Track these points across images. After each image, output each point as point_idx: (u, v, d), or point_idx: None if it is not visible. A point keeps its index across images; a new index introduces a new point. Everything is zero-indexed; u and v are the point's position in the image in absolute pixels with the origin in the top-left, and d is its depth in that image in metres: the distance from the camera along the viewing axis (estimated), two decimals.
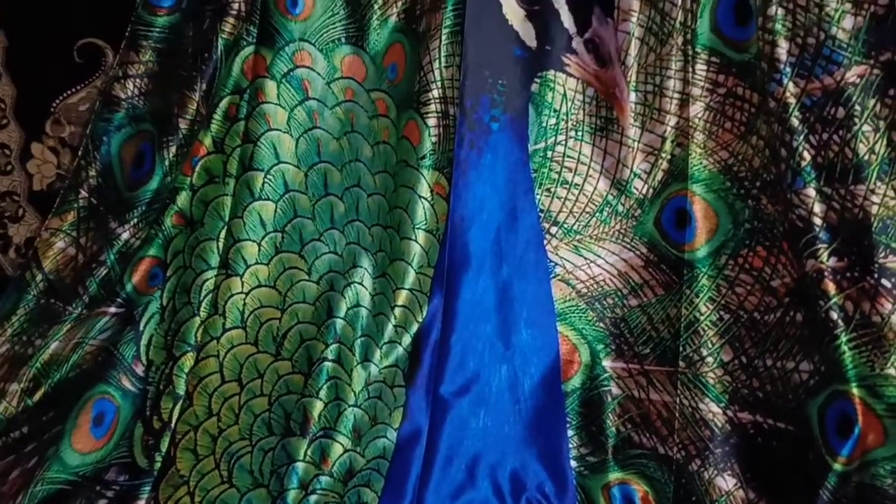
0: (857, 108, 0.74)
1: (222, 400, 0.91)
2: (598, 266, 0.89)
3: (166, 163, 0.93)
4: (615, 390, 0.88)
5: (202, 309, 0.92)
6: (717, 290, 0.83)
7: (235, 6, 0.91)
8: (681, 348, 0.84)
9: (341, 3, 0.94)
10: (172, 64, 0.93)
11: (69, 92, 1.12)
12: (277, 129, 0.93)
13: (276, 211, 0.93)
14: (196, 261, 0.93)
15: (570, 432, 0.88)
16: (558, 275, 0.90)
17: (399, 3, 0.93)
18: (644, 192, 0.88)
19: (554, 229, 0.90)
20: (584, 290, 0.89)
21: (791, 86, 0.76)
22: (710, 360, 0.83)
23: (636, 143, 0.87)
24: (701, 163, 0.85)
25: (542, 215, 0.90)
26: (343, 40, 0.95)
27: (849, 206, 0.74)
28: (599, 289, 0.89)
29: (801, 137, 0.75)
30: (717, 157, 0.84)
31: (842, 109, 0.74)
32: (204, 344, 0.92)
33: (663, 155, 0.86)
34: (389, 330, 0.89)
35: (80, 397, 0.89)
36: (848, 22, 0.75)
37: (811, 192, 0.75)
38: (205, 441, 0.89)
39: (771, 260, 0.80)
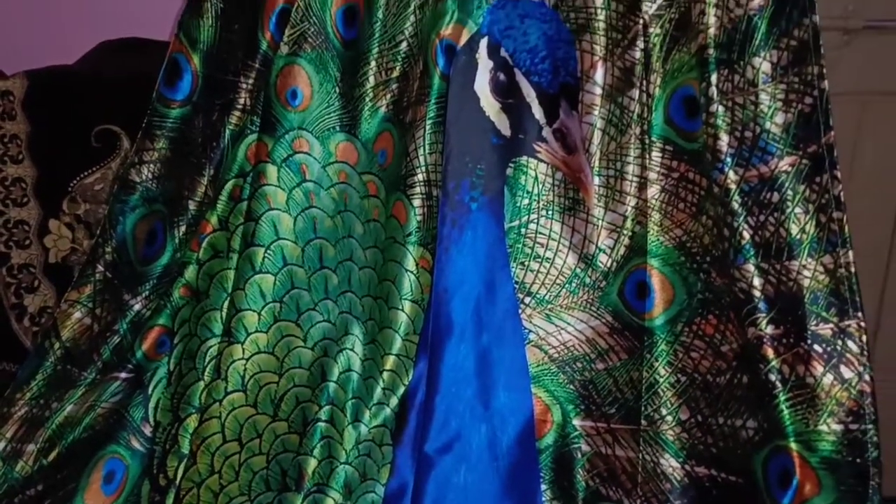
0: (790, 192, 0.83)
1: (223, 458, 0.98)
2: (569, 333, 0.98)
3: (176, 240, 1.02)
4: (584, 447, 0.95)
5: (206, 374, 1.00)
6: (674, 354, 0.91)
7: (241, 101, 1.01)
8: (643, 408, 0.92)
9: (336, 95, 1.04)
10: (184, 151, 1.03)
11: (86, 173, 1.22)
12: (277, 209, 1.02)
13: (275, 283, 1.01)
14: (201, 329, 1.01)
15: (543, 486, 0.95)
16: (532, 341, 0.98)
17: (388, 96, 1.03)
18: (608, 265, 0.96)
19: (528, 299, 0.98)
20: (556, 355, 0.97)
21: (731, 173, 0.86)
22: (669, 418, 0.91)
23: (600, 222, 0.96)
24: (658, 239, 0.94)
25: (518, 287, 0.98)
26: (337, 128, 1.04)
27: (784, 279, 0.83)
28: (569, 354, 0.97)
29: (741, 219, 0.85)
30: (673, 235, 0.93)
31: (776, 194, 0.84)
32: (207, 406, 0.99)
33: (625, 232, 0.95)
34: (378, 392, 0.97)
35: (92, 457, 0.96)
36: (779, 118, 0.85)
37: (751, 267, 0.84)
38: (207, 497, 0.96)
39: (720, 327, 0.88)
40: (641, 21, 0.94)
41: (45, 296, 1.24)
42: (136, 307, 1.01)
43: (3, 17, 1.31)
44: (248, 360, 1.00)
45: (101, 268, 1.02)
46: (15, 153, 1.21)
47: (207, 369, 1.00)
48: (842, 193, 0.81)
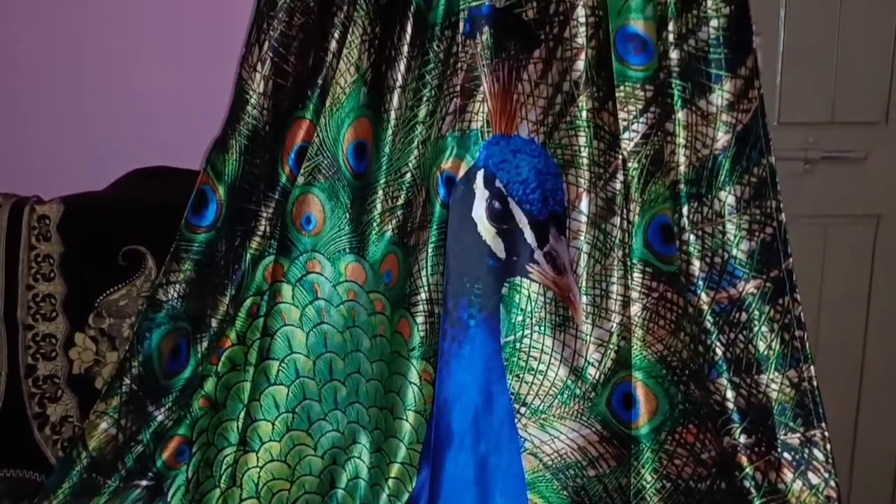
0: (756, 313, 0.93)
1: None
2: (562, 441, 1.05)
3: (199, 355, 1.10)
4: None
5: (222, 481, 1.06)
6: (659, 461, 0.98)
7: (262, 228, 1.12)
8: None
9: (346, 220, 1.15)
10: (208, 273, 1.13)
11: (112, 289, 1.30)
12: (291, 325, 1.11)
13: (288, 394, 1.09)
14: (218, 438, 1.08)
15: None
16: (528, 449, 1.05)
17: (393, 222, 1.13)
18: (597, 377, 1.04)
19: (523, 409, 1.06)
20: (550, 463, 1.04)
21: (704, 295, 0.95)
22: None
23: (589, 337, 1.05)
24: (642, 353, 1.02)
25: (513, 398, 1.06)
26: (347, 250, 1.14)
27: (754, 392, 0.91)
28: (562, 461, 1.04)
29: (714, 337, 0.94)
30: (655, 349, 1.02)
31: (744, 314, 0.93)
32: None
33: (611, 346, 1.04)
34: (384, 499, 1.03)
35: None
36: (744, 245, 0.95)
37: (724, 381, 0.93)
38: None
39: (700, 436, 0.96)
40: (620, 157, 1.05)
41: (67, 406, 1.31)
42: (160, 418, 1.08)
43: (43, 145, 1.43)
44: (261, 468, 1.06)
45: (127, 381, 1.09)
46: (47, 271, 1.30)
47: (223, 477, 1.06)
48: (802, 314, 0.91)
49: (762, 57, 1.15)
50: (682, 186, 0.99)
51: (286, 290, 1.11)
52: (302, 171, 1.12)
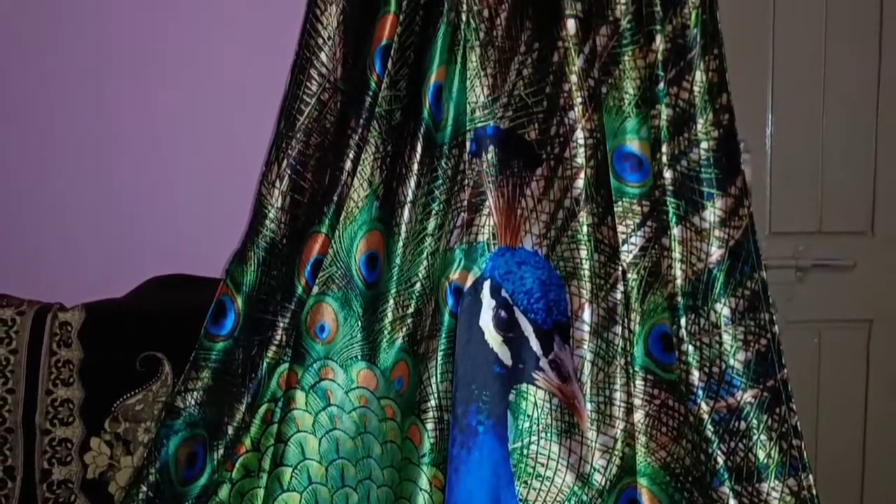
0: (755, 422, 0.97)
1: None
2: None
3: (215, 462, 1.13)
4: None
5: None
6: None
7: (278, 338, 1.16)
8: None
9: (358, 328, 1.19)
10: (225, 381, 1.17)
11: (128, 394, 1.34)
12: (304, 431, 1.14)
13: (300, 501, 1.11)
14: None
15: None
16: None
17: (404, 330, 1.18)
18: (602, 483, 1.07)
19: None
20: None
21: (703, 405, 0.99)
22: None
23: (594, 444, 1.08)
24: (646, 460, 1.05)
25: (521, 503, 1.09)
26: (359, 357, 1.18)
27: (756, 501, 0.94)
28: None
29: (715, 445, 0.97)
30: (658, 456, 1.05)
31: (743, 423, 0.97)
32: None
33: (616, 453, 1.07)
34: None
35: None
36: (741, 356, 1.00)
37: (726, 489, 0.95)
38: None
39: None
40: (620, 268, 1.11)
41: None
42: None
43: (65, 253, 1.49)
44: None
45: (144, 488, 1.12)
46: (66, 377, 1.34)
47: None
48: (798, 423, 0.94)
49: (752, 171, 1.23)
50: (679, 299, 1.04)
51: (300, 396, 1.14)
52: (317, 281, 1.17)
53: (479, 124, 1.19)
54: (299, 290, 1.17)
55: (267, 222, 1.21)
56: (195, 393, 1.17)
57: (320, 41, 1.22)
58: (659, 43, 1.15)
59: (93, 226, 1.52)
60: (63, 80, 1.47)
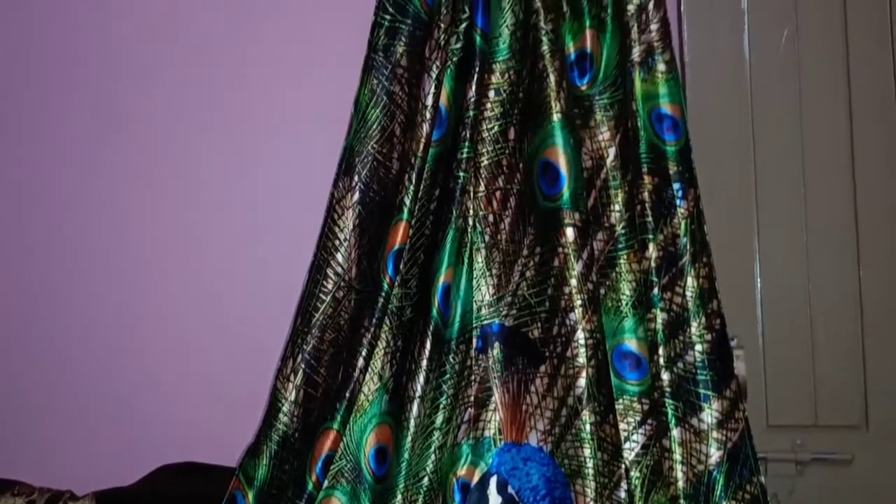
0: None
1: None
2: None
3: None
4: None
5: None
6: None
7: None
8: None
9: None
10: None
11: None
12: None
13: None
14: None
15: None
16: None
17: None
18: None
19: None
20: None
21: None
22: None
23: None
24: None
25: None
26: None
27: None
28: None
29: None
30: None
31: None
32: None
33: None
34: None
35: None
36: None
37: None
38: None
39: None
40: (623, 466, 1.14)
41: None
42: None
43: (77, 441, 1.52)
44: None
45: None
46: None
47: None
48: None
49: (746, 366, 1.29)
50: (682, 502, 1.07)
51: None
52: (327, 475, 1.20)
53: (486, 321, 1.26)
54: (310, 485, 1.20)
55: (280, 416, 1.25)
56: None
57: (336, 242, 1.32)
58: (652, 250, 1.24)
59: (105, 415, 1.55)
60: (82, 288, 1.54)
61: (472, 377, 1.24)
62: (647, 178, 1.27)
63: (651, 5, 1.32)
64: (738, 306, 1.32)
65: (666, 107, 1.29)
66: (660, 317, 1.21)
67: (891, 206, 1.34)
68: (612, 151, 1.29)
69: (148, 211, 1.55)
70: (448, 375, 1.23)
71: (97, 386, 1.55)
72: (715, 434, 1.10)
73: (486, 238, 1.29)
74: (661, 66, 1.30)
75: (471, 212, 1.29)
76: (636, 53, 1.31)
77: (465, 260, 1.29)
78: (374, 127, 1.34)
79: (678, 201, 1.25)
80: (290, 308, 1.35)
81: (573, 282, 1.22)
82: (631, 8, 1.32)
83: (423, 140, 1.27)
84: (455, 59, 1.28)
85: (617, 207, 1.27)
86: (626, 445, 1.16)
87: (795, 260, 1.34)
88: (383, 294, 1.26)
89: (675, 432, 1.12)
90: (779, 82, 1.38)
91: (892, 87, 1.35)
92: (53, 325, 1.56)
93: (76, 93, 1.57)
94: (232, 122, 1.54)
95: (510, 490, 1.17)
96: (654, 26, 1.31)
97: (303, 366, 1.28)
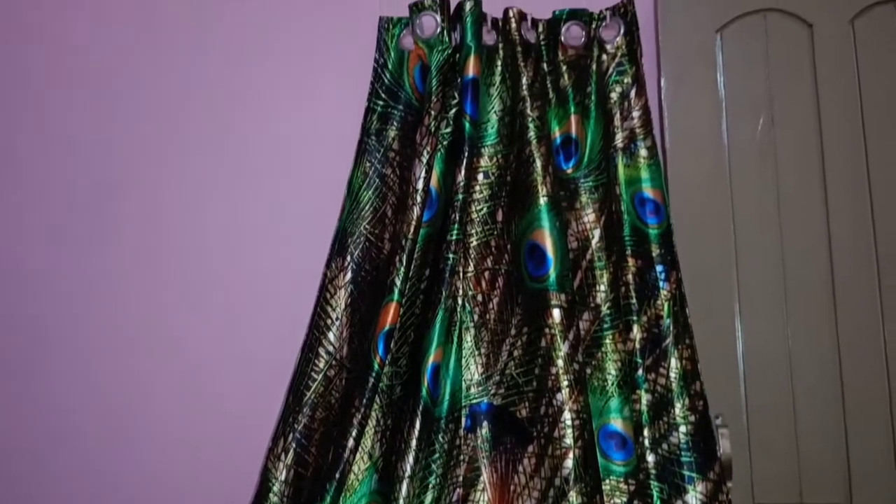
0: None
1: None
2: None
3: None
4: None
5: None
6: None
7: None
8: None
9: None
10: None
11: None
12: None
13: None
14: None
15: None
16: None
17: None
18: None
19: None
20: None
21: None
22: None
23: None
24: None
25: None
26: None
27: None
28: None
29: None
30: None
31: None
32: None
33: None
34: None
35: None
36: None
37: None
38: None
39: None
40: None
41: None
42: None
43: None
44: None
45: None
46: None
47: None
48: None
49: (731, 444, 1.31)
50: None
51: None
52: None
53: (475, 400, 1.29)
54: None
55: (271, 496, 1.26)
56: None
57: (329, 321, 1.35)
58: (636, 332, 1.28)
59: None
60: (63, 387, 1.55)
61: (461, 457, 1.26)
62: (630, 261, 1.31)
63: (633, 93, 1.38)
64: (721, 384, 1.35)
65: (648, 191, 1.34)
66: (644, 398, 1.23)
67: (866, 283, 1.38)
68: (597, 233, 1.33)
69: (142, 289, 1.57)
70: (437, 455, 1.24)
71: (80, 475, 1.53)
72: None
73: (475, 317, 1.33)
74: (643, 152, 1.36)
75: (460, 291, 1.32)
76: (619, 139, 1.36)
77: (455, 339, 1.32)
78: (367, 208, 1.39)
79: (661, 283, 1.29)
80: (282, 386, 1.37)
81: (560, 362, 1.24)
82: (614, 96, 1.39)
83: (413, 223, 1.31)
84: (445, 143, 1.33)
85: (602, 288, 1.31)
86: None
87: (777, 339, 1.37)
88: (374, 374, 1.28)
89: None
90: (756, 166, 1.43)
91: (863, 167, 1.41)
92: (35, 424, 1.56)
93: (72, 160, 1.60)
94: (224, 198, 1.57)
95: None
96: (636, 113, 1.37)
97: (294, 445, 1.29)
